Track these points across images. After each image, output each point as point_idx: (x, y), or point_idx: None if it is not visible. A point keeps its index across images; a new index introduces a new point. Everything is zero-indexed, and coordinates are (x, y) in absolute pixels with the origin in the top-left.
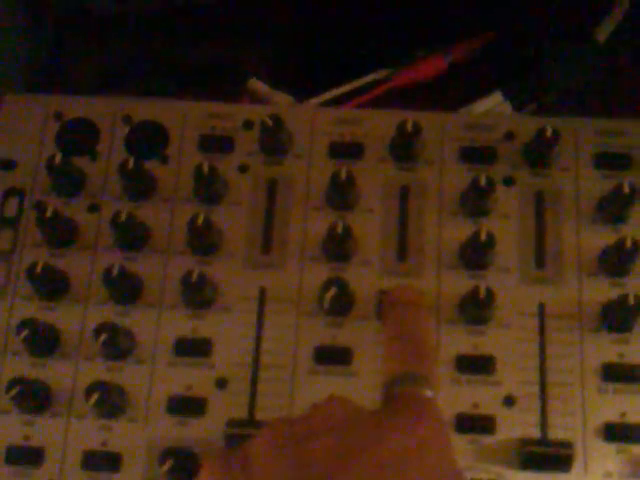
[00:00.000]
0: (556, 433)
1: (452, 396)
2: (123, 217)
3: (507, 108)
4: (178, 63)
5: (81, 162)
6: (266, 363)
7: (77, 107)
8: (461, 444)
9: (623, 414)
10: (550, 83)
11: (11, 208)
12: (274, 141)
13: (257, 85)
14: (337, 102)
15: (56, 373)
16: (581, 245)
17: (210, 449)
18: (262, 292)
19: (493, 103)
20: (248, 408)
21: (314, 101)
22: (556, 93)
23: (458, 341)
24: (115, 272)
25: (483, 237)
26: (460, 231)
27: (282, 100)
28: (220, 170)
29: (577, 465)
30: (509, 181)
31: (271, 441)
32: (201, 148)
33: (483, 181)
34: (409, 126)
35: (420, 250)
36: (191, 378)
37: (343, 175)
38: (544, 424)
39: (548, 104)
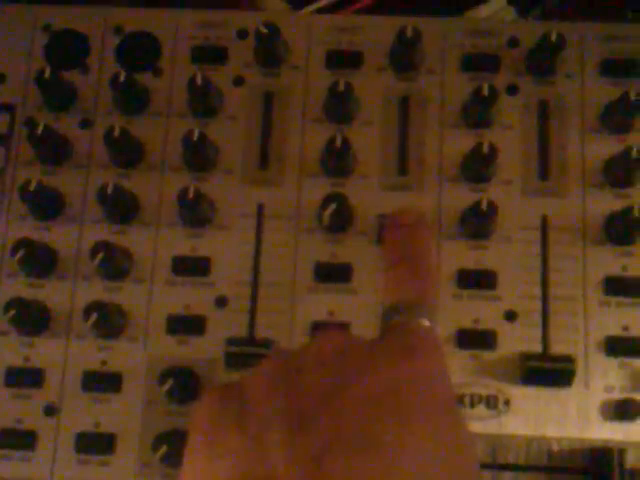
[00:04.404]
0: (558, 348)
1: (453, 311)
2: (116, 133)
3: (511, 13)
4: None
5: (71, 75)
6: (265, 281)
7: (66, 18)
8: (462, 359)
9: (625, 328)
10: None
11: (2, 125)
12: (270, 51)
13: None
14: (334, 9)
15: (54, 294)
16: (585, 156)
17: (210, 383)
18: (260, 209)
19: (496, 8)
20: (248, 326)
21: (310, 8)
22: None
23: (459, 256)
24: (110, 190)
25: (485, 149)
26: (462, 143)
27: (277, 7)
28: (214, 82)
29: (578, 380)
30: (513, 89)
31: (266, 374)
32: (194, 59)
33: (486, 90)
34: (409, 32)
35: (421, 163)
36: (190, 297)
37: (341, 86)
38: (545, 339)
39: (553, 8)
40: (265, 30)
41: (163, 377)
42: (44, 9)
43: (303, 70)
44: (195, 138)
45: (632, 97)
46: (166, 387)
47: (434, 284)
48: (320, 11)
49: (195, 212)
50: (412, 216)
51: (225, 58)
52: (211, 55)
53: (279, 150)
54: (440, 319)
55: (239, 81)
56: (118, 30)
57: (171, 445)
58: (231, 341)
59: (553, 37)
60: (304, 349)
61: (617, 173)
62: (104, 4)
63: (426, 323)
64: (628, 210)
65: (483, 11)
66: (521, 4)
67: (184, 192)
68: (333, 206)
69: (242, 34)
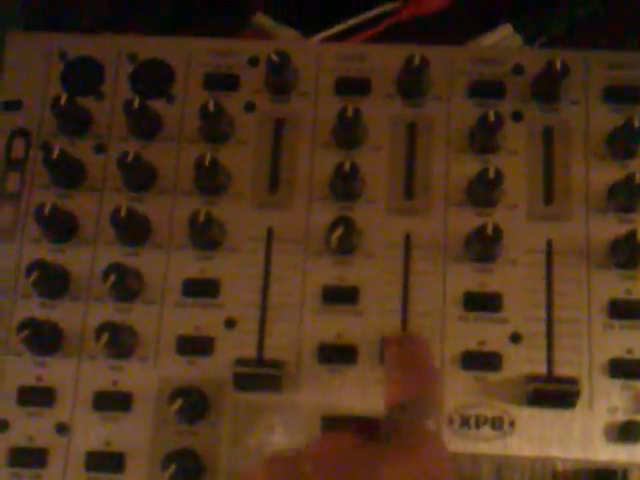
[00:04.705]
0: (562, 369)
1: (459, 333)
2: (130, 158)
3: (517, 41)
4: None
5: (86, 102)
6: (274, 303)
7: (82, 46)
8: (467, 381)
9: (629, 350)
10: (560, 14)
11: (18, 149)
12: (280, 78)
13: (262, 20)
14: (343, 37)
15: (66, 314)
16: (589, 181)
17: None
18: (269, 232)
19: (502, 36)
20: (256, 348)
21: (320, 36)
22: (566, 25)
23: (465, 279)
24: (123, 213)
25: (491, 174)
26: (468, 168)
27: (287, 35)
28: (226, 108)
29: (582, 401)
30: (517, 116)
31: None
32: (206, 86)
33: (491, 117)
34: (416, 60)
35: (427, 187)
36: (200, 318)
37: (350, 112)
38: (550, 361)
39: (558, 36)
40: (276, 58)
41: (172, 397)
42: (60, 37)
43: (312, 97)
44: (207, 163)
45: (636, 124)
46: (175, 407)
47: (435, 380)
48: (329, 39)
49: (205, 235)
50: (413, 337)
51: (236, 85)
52: (223, 82)
53: (288, 174)
54: (446, 341)
55: (250, 107)
56: (132, 58)
57: (180, 464)
58: (240, 362)
59: (557, 65)
60: (302, 456)
61: (621, 198)
62: (119, 32)
63: (429, 423)
64: (632, 234)
65: (490, 39)
66: (527, 32)
67: (195, 215)
68: (340, 229)
69: (253, 62)
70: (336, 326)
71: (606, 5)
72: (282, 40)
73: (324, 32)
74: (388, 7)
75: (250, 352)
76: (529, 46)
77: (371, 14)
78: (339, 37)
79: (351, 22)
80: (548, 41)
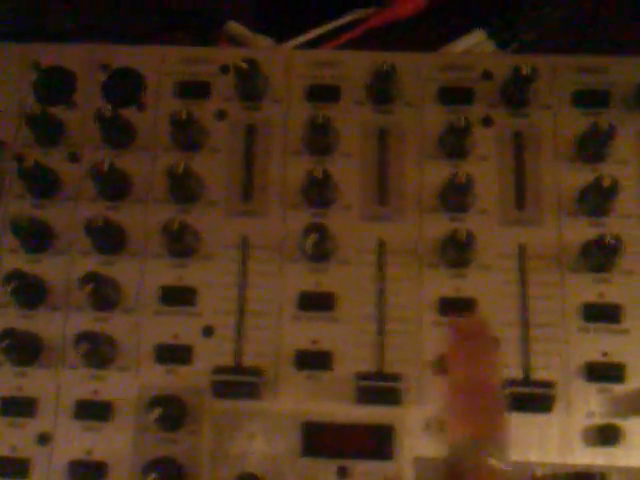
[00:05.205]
0: (538, 374)
1: (435, 340)
2: (104, 167)
3: (490, 47)
4: (156, 6)
5: (59, 111)
6: (251, 310)
7: (54, 55)
8: (443, 385)
9: (604, 353)
10: (532, 20)
11: None
12: (250, 85)
13: (235, 28)
14: (316, 44)
15: (45, 324)
16: (560, 185)
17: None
18: (244, 239)
19: (475, 41)
20: (234, 355)
21: (293, 43)
22: (539, 30)
23: (440, 284)
24: (98, 223)
25: (462, 179)
26: (439, 173)
27: (261, 43)
28: (197, 116)
29: (559, 405)
30: (487, 121)
31: None
32: (178, 94)
33: (461, 122)
34: (384, 67)
35: (400, 194)
36: (178, 327)
37: (320, 119)
38: (526, 365)
39: (531, 42)
40: (244, 65)
41: (151, 405)
42: (33, 47)
43: (284, 104)
44: (180, 171)
45: (603, 127)
46: (154, 415)
47: (503, 414)
48: (303, 46)
49: (180, 243)
50: (477, 325)
51: (208, 93)
52: (194, 90)
53: (262, 182)
54: (423, 347)
55: (222, 115)
56: (104, 67)
57: (160, 472)
58: (218, 370)
59: (525, 70)
60: None
61: (591, 202)
62: (91, 42)
63: (497, 464)
64: (602, 238)
65: (463, 44)
66: (500, 37)
67: (169, 224)
68: (315, 236)
69: (224, 69)
70: (312, 332)
71: (578, 11)
72: (253, 48)
73: (297, 39)
74: (362, 13)
75: (228, 360)
76: (502, 51)
77: (345, 20)
78: (313, 44)
79: (324, 29)
80: (521, 47)
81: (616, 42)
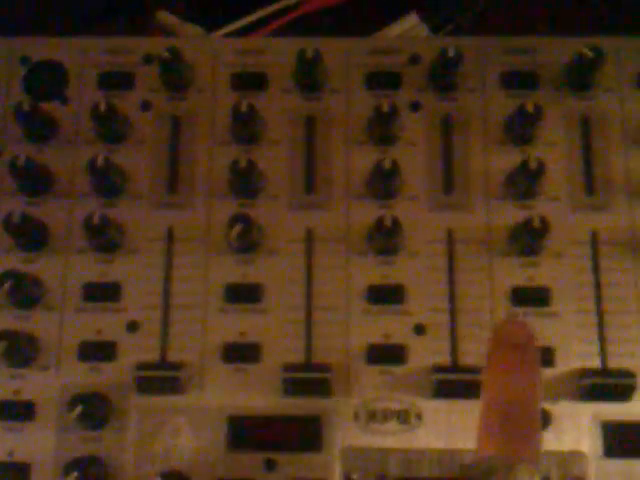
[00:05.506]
0: (467, 359)
1: (363, 327)
2: (21, 161)
3: (424, 30)
4: None
5: None
6: (176, 304)
7: None
8: (373, 375)
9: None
10: (465, 3)
11: None
12: (174, 76)
13: (166, 17)
14: (249, 31)
15: None
16: (488, 168)
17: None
18: (170, 232)
19: (409, 26)
20: (160, 350)
21: (223, 32)
22: (472, 13)
23: (368, 272)
24: (17, 219)
25: (387, 165)
26: (368, 160)
27: (191, 32)
28: (121, 108)
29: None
30: (415, 106)
31: None
32: (101, 86)
33: (385, 107)
34: (309, 53)
35: (328, 181)
36: (101, 323)
37: (244, 107)
38: (454, 351)
39: (465, 25)
40: (167, 55)
41: (72, 404)
42: None
43: (209, 93)
44: (99, 164)
45: (530, 109)
46: (75, 413)
47: (539, 431)
48: (233, 34)
49: (103, 237)
50: (523, 332)
51: (132, 84)
52: (118, 81)
53: (187, 173)
54: (351, 335)
55: (146, 106)
56: (25, 59)
57: (83, 471)
58: (140, 366)
59: (450, 53)
60: None
61: (518, 185)
62: (13, 35)
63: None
64: (530, 221)
65: (396, 29)
66: (433, 21)
67: (90, 218)
68: (239, 227)
69: (148, 59)
70: (240, 325)
71: None
72: (181, 37)
73: (227, 27)
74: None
75: (154, 355)
76: (436, 35)
77: (277, 7)
78: (244, 32)
79: (255, 16)
80: (454, 30)
81: (552, 21)
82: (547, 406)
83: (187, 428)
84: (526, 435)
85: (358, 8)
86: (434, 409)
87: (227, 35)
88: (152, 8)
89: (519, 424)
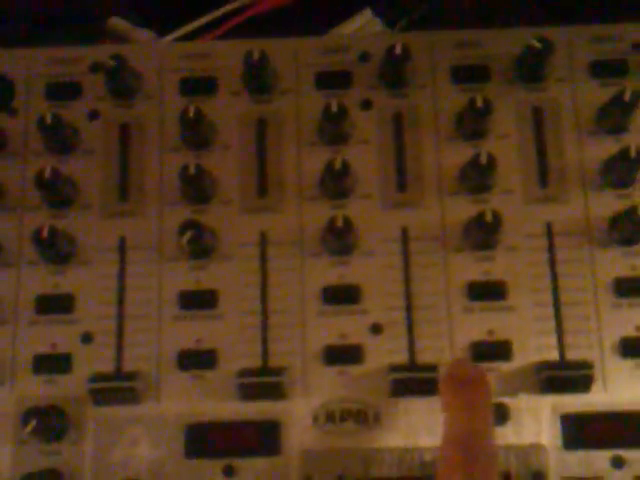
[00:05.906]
0: (424, 357)
1: (319, 328)
2: None
3: (378, 25)
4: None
5: None
6: (130, 314)
7: None
8: (330, 376)
9: (490, 332)
10: None
11: None
12: (121, 83)
13: (117, 24)
14: (202, 33)
15: None
16: (442, 164)
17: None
18: (122, 241)
19: (363, 22)
20: (115, 360)
21: (175, 35)
22: (426, 7)
23: (323, 272)
24: None
25: (337, 165)
26: (319, 160)
27: (143, 37)
28: (69, 118)
29: None
30: (366, 104)
31: None
32: (48, 96)
33: (334, 107)
34: (255, 56)
35: (281, 183)
36: (55, 335)
37: (191, 113)
38: (411, 349)
39: (420, 19)
40: (111, 63)
41: (26, 417)
42: None
43: (158, 99)
44: (47, 175)
45: (479, 103)
46: (30, 427)
47: (497, 469)
48: (185, 37)
49: (53, 250)
50: (471, 369)
51: (79, 93)
52: (65, 91)
53: (138, 181)
54: (307, 337)
55: (94, 115)
56: None
57: None
58: (95, 377)
59: (397, 50)
60: None
61: (471, 179)
62: None
63: None
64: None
65: (351, 26)
66: (387, 16)
67: (39, 231)
68: (190, 233)
69: (93, 68)
70: (195, 331)
71: None
72: (130, 43)
73: (178, 31)
74: (246, 0)
75: (109, 366)
76: (391, 30)
77: (228, 9)
78: (197, 34)
79: (206, 18)
80: (409, 24)
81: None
82: (506, 400)
83: (145, 438)
84: (485, 471)
85: (311, 7)
86: (392, 408)
87: (179, 39)
88: (104, 15)
89: (478, 461)
